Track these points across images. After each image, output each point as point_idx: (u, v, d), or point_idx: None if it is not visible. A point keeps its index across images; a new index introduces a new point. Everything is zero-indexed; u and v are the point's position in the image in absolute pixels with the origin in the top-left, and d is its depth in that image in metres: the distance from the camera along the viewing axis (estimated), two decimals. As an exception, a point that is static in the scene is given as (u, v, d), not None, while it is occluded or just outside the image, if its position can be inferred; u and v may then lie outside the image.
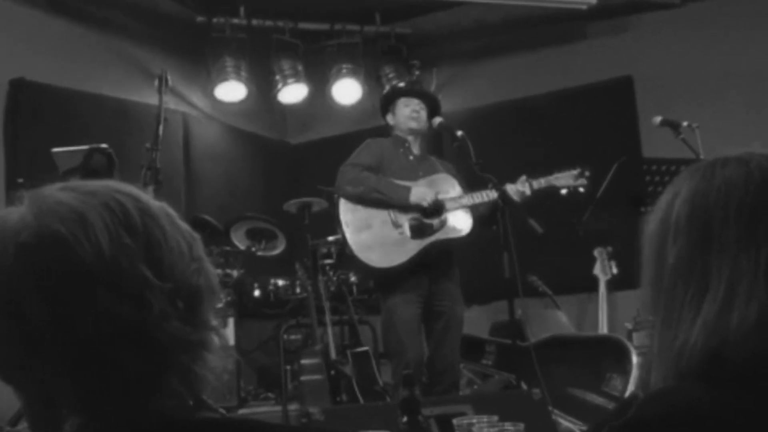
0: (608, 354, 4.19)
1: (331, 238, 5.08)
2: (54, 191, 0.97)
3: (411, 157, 4.42)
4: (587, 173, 4.20)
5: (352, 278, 5.28)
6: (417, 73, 6.58)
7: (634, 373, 3.96)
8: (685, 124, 4.33)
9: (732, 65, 5.86)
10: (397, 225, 4.20)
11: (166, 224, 1.00)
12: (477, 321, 5.92)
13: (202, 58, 6.47)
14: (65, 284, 0.90)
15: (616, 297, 5.38)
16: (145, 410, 0.93)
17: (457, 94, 6.78)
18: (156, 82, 4.24)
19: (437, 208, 4.19)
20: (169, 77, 4.26)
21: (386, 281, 4.20)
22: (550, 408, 3.04)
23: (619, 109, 6.16)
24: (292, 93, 6.65)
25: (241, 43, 6.39)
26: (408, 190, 4.20)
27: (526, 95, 6.46)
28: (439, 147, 6.47)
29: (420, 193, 4.19)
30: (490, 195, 4.11)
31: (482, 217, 4.27)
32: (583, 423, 3.72)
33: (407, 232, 4.18)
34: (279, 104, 6.80)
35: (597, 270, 5.27)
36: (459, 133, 4.04)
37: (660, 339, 1.04)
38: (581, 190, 4.18)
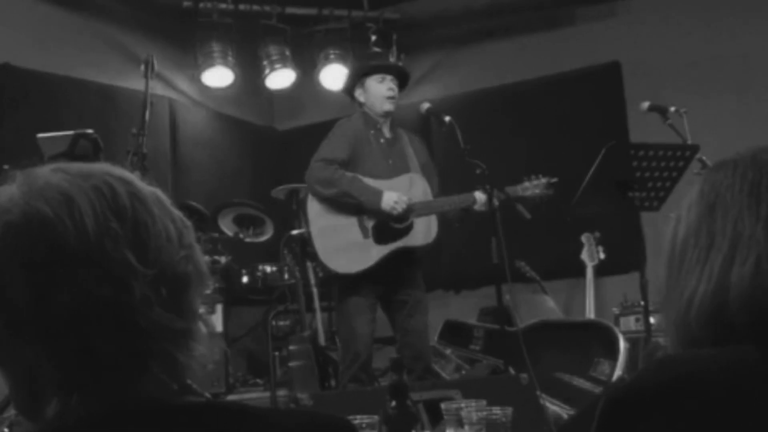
0: (596, 339, 4.21)
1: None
2: (45, 172, 0.98)
3: (382, 140, 4.33)
4: (553, 181, 4.18)
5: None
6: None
7: (622, 357, 3.98)
8: (672, 109, 4.33)
9: (720, 50, 5.87)
10: (363, 228, 4.16)
11: (157, 210, 1.00)
12: (465, 306, 5.94)
13: (189, 43, 6.43)
14: (48, 264, 0.91)
15: (604, 282, 5.41)
16: (126, 393, 0.94)
17: (445, 79, 6.77)
18: (142, 68, 4.20)
19: (406, 216, 4.17)
20: (155, 62, 4.22)
21: (346, 277, 4.18)
22: (538, 392, 3.05)
23: (606, 94, 6.17)
24: (280, 78, 6.62)
25: (228, 28, 6.36)
26: (380, 195, 4.11)
27: (514, 80, 6.46)
28: (427, 132, 6.47)
29: (391, 200, 4.11)
30: (460, 201, 4.16)
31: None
32: (571, 407, 3.74)
33: (372, 236, 4.16)
34: (266, 90, 6.78)
35: (584, 255, 5.29)
36: (447, 118, 4.03)
37: (671, 299, 1.08)
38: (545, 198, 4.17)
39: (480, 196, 4.15)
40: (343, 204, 4.13)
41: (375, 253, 4.13)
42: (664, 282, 1.11)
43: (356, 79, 4.41)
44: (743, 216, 1.03)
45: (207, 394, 1.02)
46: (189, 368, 0.98)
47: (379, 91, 4.31)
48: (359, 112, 4.39)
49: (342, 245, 4.13)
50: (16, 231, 0.92)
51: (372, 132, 4.32)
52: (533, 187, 4.17)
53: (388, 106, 4.31)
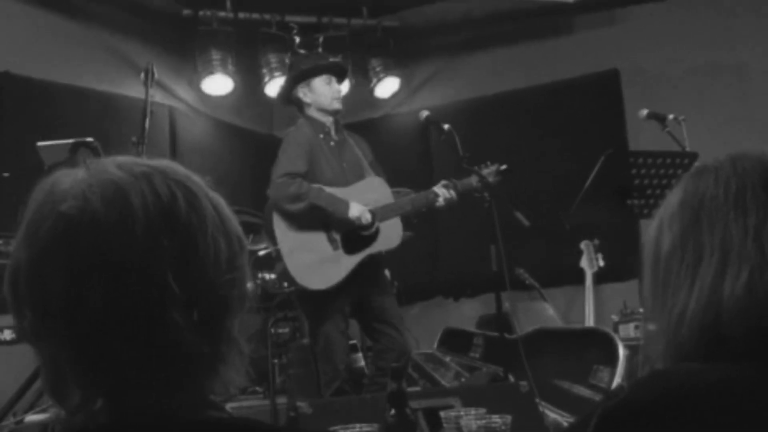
0: (595, 346, 4.20)
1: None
2: (111, 166, 0.97)
3: (332, 143, 4.29)
4: (503, 168, 4.17)
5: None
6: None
7: (621, 365, 3.98)
8: (671, 116, 4.35)
9: (718, 58, 5.89)
10: (332, 240, 4.14)
11: (211, 225, 0.98)
12: (465, 314, 5.94)
13: (189, 51, 6.44)
14: (89, 265, 0.91)
15: (603, 289, 5.40)
16: (146, 406, 0.93)
17: (444, 87, 6.79)
18: (142, 76, 4.21)
19: (371, 224, 4.17)
20: (155, 70, 4.23)
21: (319, 294, 4.14)
22: (537, 400, 3.05)
23: (605, 102, 6.19)
24: (279, 86, 6.62)
25: (228, 36, 6.37)
26: (347, 205, 4.09)
27: (513, 88, 6.47)
28: (426, 140, 6.48)
29: (359, 210, 4.10)
30: (423, 201, 4.19)
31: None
32: (570, 415, 3.74)
33: (341, 247, 4.14)
34: (266, 97, 6.78)
35: (584, 262, 5.28)
36: (446, 126, 4.03)
37: (658, 314, 1.07)
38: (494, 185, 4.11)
39: (441, 190, 4.18)
40: (309, 218, 4.08)
41: (346, 263, 4.11)
42: (650, 295, 1.10)
43: (302, 79, 4.32)
44: (730, 229, 1.02)
45: (228, 410, 1.02)
46: (212, 389, 0.98)
47: (328, 91, 4.28)
48: (303, 119, 4.33)
49: (313, 261, 4.08)
50: (66, 225, 0.92)
51: (321, 136, 4.26)
52: (487, 175, 4.11)
53: (337, 105, 4.28)
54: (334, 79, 4.33)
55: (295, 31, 6.45)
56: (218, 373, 0.98)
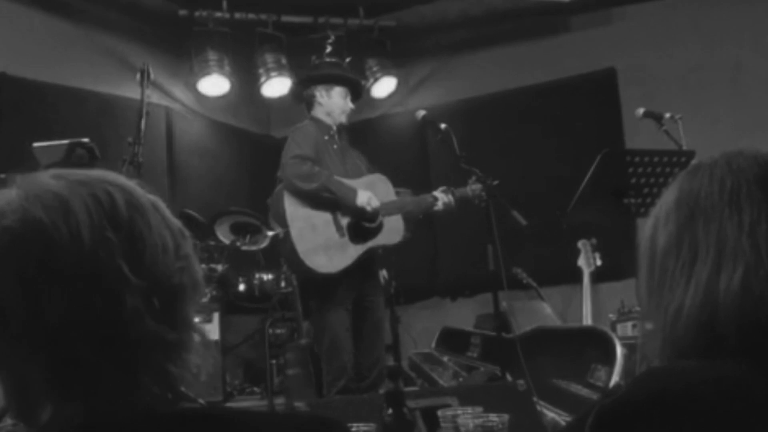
0: (593, 345, 4.20)
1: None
2: (45, 178, 0.98)
3: (335, 146, 4.42)
4: (495, 183, 4.19)
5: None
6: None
7: (619, 363, 3.98)
8: (667, 115, 4.34)
9: (714, 57, 5.89)
10: (339, 227, 4.20)
11: (154, 220, 1.00)
12: (462, 313, 5.94)
13: (185, 51, 6.44)
14: (41, 274, 0.91)
15: (600, 288, 5.40)
16: (119, 404, 0.93)
17: (440, 87, 6.78)
18: (138, 76, 4.20)
19: (377, 214, 4.23)
20: (151, 71, 4.22)
21: (323, 285, 4.19)
22: (534, 399, 3.05)
23: (602, 101, 6.19)
24: (276, 86, 6.62)
25: (224, 36, 6.36)
26: (355, 192, 4.19)
27: (509, 88, 6.48)
28: (423, 140, 6.48)
29: (366, 197, 4.19)
30: (422, 203, 4.31)
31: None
32: (568, 414, 3.73)
33: (348, 235, 4.20)
34: (262, 98, 6.78)
35: (581, 262, 5.28)
36: (442, 126, 4.05)
37: (655, 311, 1.07)
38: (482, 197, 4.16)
39: (441, 195, 4.31)
40: (318, 202, 4.15)
41: (352, 251, 4.18)
42: (646, 293, 1.10)
43: (324, 81, 4.51)
44: (725, 226, 1.02)
45: (201, 401, 1.02)
46: (182, 379, 0.98)
47: (342, 104, 4.45)
48: (309, 119, 4.47)
49: (321, 244, 4.14)
50: (11, 237, 0.92)
51: (326, 138, 4.40)
52: (480, 188, 4.20)
53: (344, 119, 4.46)
54: (350, 96, 4.48)
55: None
56: (184, 360, 0.98)
